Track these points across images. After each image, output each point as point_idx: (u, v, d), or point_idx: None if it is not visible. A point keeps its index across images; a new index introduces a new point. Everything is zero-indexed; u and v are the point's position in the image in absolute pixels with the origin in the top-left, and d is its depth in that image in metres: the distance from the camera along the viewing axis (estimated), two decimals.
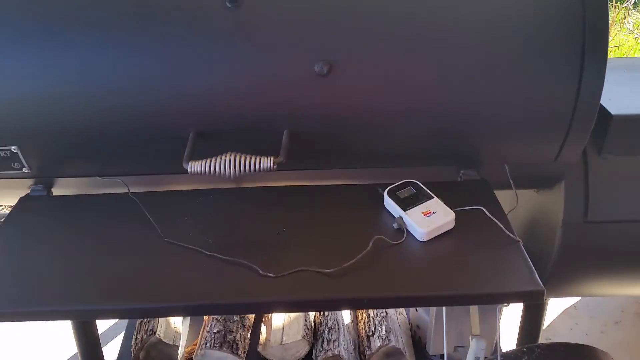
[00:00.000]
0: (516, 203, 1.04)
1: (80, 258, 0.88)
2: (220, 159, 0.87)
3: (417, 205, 0.93)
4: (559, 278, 1.21)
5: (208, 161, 0.87)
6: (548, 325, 1.73)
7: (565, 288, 1.25)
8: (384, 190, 0.97)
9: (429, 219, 0.90)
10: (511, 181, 1.04)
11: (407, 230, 0.91)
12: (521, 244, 0.88)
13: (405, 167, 1.03)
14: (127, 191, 1.00)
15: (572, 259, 1.17)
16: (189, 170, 0.87)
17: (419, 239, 0.90)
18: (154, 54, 0.89)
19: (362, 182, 1.04)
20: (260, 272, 0.84)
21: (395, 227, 0.92)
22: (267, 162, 0.86)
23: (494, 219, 0.90)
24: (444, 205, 0.93)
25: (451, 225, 0.91)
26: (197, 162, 0.87)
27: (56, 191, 1.05)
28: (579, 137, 0.99)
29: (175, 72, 0.90)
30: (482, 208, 0.91)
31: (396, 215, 0.93)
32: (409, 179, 0.99)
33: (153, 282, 0.84)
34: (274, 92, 0.92)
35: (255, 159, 0.87)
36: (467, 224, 0.92)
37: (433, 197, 0.94)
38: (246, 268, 0.85)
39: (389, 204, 0.95)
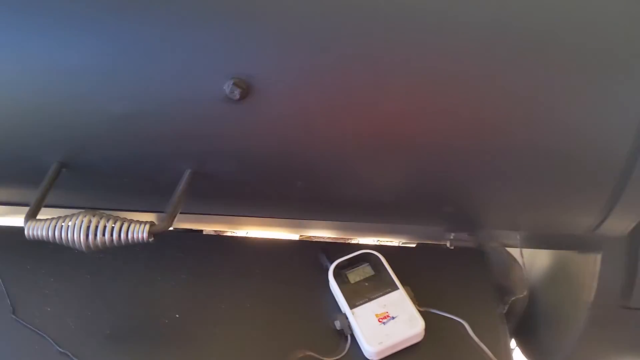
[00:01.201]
0: (526, 288, 0.73)
1: None
2: (70, 222, 0.57)
3: (372, 300, 0.63)
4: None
5: (54, 223, 0.57)
6: None
7: None
8: (331, 263, 0.67)
9: (384, 328, 0.60)
10: (521, 258, 0.72)
11: (350, 336, 0.61)
12: None
13: (367, 222, 0.72)
14: None
15: (601, 344, 0.86)
16: (25, 232, 0.58)
17: (366, 356, 0.60)
18: None
19: (321, 235, 0.75)
20: None
21: (337, 328, 0.62)
22: (139, 232, 0.57)
23: (477, 341, 0.59)
24: (412, 305, 0.62)
25: (418, 339, 0.61)
26: (38, 224, 0.58)
27: None
28: (634, 206, 0.66)
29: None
30: (463, 323, 0.60)
31: (341, 310, 0.63)
32: (366, 248, 0.68)
33: None
34: (162, 115, 0.60)
35: (121, 226, 0.57)
36: (441, 336, 0.62)
37: (398, 288, 0.64)
38: None
39: (334, 288, 0.65)
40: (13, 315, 0.63)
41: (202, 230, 0.84)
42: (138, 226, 0.56)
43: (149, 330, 0.62)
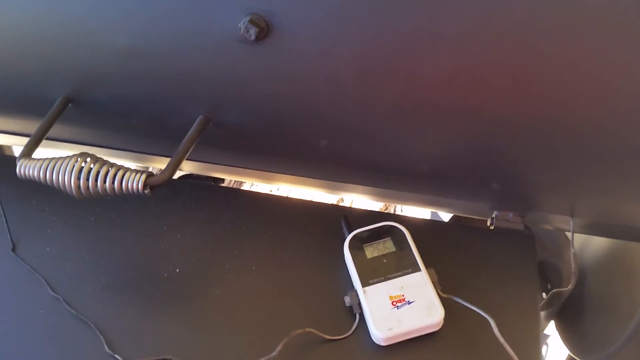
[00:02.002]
0: (572, 282, 0.63)
1: None
2: (62, 163, 0.53)
3: (388, 279, 0.56)
4: None
5: (46, 163, 0.53)
6: None
7: None
8: (350, 232, 0.60)
9: (397, 313, 0.53)
10: (572, 249, 0.62)
11: (359, 315, 0.55)
12: None
13: (400, 190, 0.64)
14: None
15: None
16: (17, 171, 0.54)
17: (374, 340, 0.54)
18: None
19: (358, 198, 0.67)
20: (107, 348, 0.54)
21: (347, 304, 0.56)
22: (133, 182, 0.51)
23: (502, 341, 0.51)
24: (433, 290, 0.55)
25: (434, 329, 0.54)
26: (31, 163, 0.54)
27: None
28: None
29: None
30: (489, 319, 0.52)
31: (353, 286, 0.57)
32: (396, 220, 0.60)
33: None
34: (171, 52, 0.54)
35: (116, 173, 0.52)
36: (462, 329, 0.55)
37: (420, 269, 0.56)
38: (89, 337, 0.55)
39: (348, 261, 0.58)
40: (12, 253, 0.61)
41: (222, 181, 0.79)
42: (134, 175, 0.51)
43: (146, 283, 0.58)
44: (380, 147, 0.56)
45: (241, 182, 0.98)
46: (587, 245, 0.81)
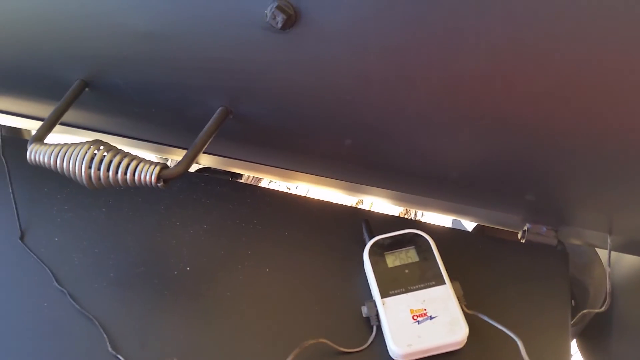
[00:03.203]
0: (607, 302, 0.59)
1: None
2: (74, 151, 0.50)
3: (409, 291, 0.52)
4: None
5: (57, 150, 0.51)
6: None
7: None
8: (371, 238, 0.57)
9: (418, 329, 0.50)
10: (608, 268, 0.58)
11: (376, 328, 0.52)
12: None
13: (431, 197, 0.61)
14: None
15: None
16: (27, 156, 0.52)
17: (391, 355, 0.51)
18: None
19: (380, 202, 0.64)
20: (110, 347, 0.51)
21: (364, 315, 0.53)
22: (147, 174, 0.49)
23: None
24: (457, 305, 0.51)
25: (458, 346, 0.50)
26: (42, 148, 0.51)
27: None
28: None
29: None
30: (516, 339, 0.49)
31: (372, 296, 0.54)
32: (420, 228, 0.57)
33: None
34: (191, 38, 0.51)
35: (129, 164, 0.49)
36: (486, 347, 0.51)
37: (444, 282, 0.53)
38: (92, 334, 0.52)
39: (368, 269, 0.55)
40: (20, 241, 0.58)
41: (240, 176, 0.76)
42: (147, 167, 0.49)
43: (154, 281, 0.56)
44: (409, 150, 0.53)
45: (259, 179, 0.95)
46: (618, 263, 0.77)
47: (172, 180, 0.49)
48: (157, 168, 0.49)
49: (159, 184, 0.49)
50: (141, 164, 0.49)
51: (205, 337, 0.52)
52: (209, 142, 0.52)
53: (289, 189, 0.95)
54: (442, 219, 0.91)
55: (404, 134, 0.51)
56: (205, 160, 0.70)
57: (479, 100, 0.46)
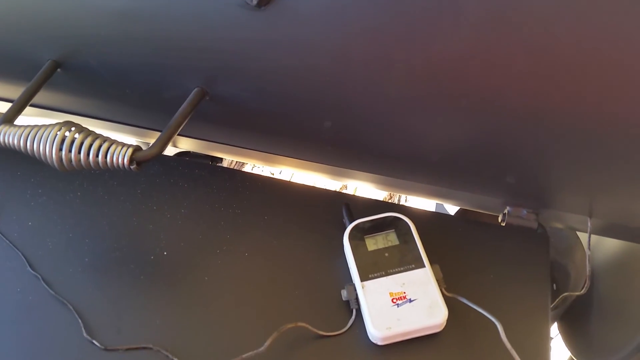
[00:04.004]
0: (586, 285, 0.59)
1: None
2: (44, 132, 0.49)
3: (389, 274, 0.52)
4: None
5: (27, 131, 0.49)
6: None
7: None
8: (351, 222, 0.56)
9: (397, 312, 0.50)
10: (588, 251, 0.58)
11: (356, 311, 0.51)
12: None
13: (413, 180, 0.60)
14: None
15: None
16: None
17: (371, 339, 0.50)
18: None
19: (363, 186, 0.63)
20: (85, 333, 0.50)
21: (343, 298, 0.52)
22: (119, 156, 0.48)
23: (509, 347, 0.48)
24: (437, 288, 0.51)
25: (436, 330, 0.50)
26: (12, 130, 0.50)
27: None
28: None
29: None
30: (495, 322, 0.48)
31: (352, 279, 0.53)
32: (401, 211, 0.56)
33: None
34: (166, 17, 0.50)
35: (100, 146, 0.48)
36: (466, 331, 0.51)
37: (424, 265, 0.52)
38: (67, 320, 0.51)
39: (347, 253, 0.54)
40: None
41: (220, 161, 0.75)
42: (119, 149, 0.47)
43: (131, 265, 0.55)
44: (389, 132, 0.52)
45: (242, 164, 0.94)
46: (598, 246, 0.77)
47: (146, 163, 0.48)
48: (130, 150, 0.48)
49: (131, 167, 0.48)
50: (113, 146, 0.48)
51: (183, 323, 0.51)
52: (184, 123, 0.51)
53: (273, 174, 0.94)
54: (425, 204, 0.90)
55: (384, 115, 0.50)
56: (184, 144, 0.69)
57: (459, 80, 0.46)
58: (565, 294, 0.65)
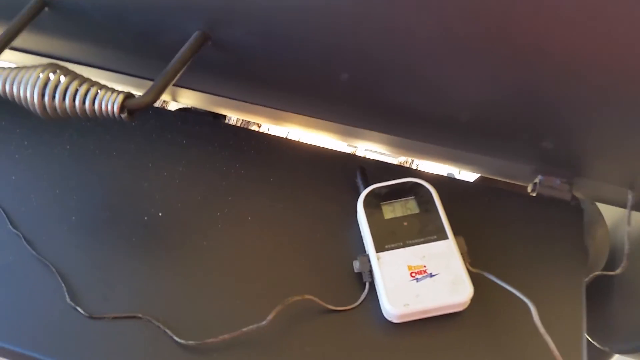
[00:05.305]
0: (624, 264, 0.54)
1: None
2: (25, 75, 0.43)
3: (407, 246, 0.46)
4: None
5: (10, 74, 0.44)
6: None
7: None
8: (366, 187, 0.51)
9: (416, 287, 0.44)
10: (628, 227, 0.53)
11: (369, 285, 0.46)
12: None
13: (433, 143, 0.54)
14: None
15: None
16: None
17: (385, 316, 0.45)
18: None
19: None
20: (68, 298, 0.46)
21: (355, 270, 0.47)
22: (108, 103, 0.42)
23: (542, 331, 0.42)
24: (461, 262, 0.46)
25: (459, 308, 0.45)
26: None
27: None
28: None
29: None
30: (527, 302, 0.43)
31: (365, 250, 0.48)
32: (420, 176, 0.51)
33: None
34: None
35: (87, 91, 0.42)
36: (493, 311, 0.46)
37: (447, 237, 0.47)
38: (49, 283, 0.46)
39: (362, 221, 0.49)
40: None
41: (224, 117, 0.70)
42: (109, 95, 0.42)
43: (122, 226, 0.50)
44: (414, 85, 0.46)
45: (247, 124, 0.88)
46: (623, 223, 0.72)
47: (139, 112, 0.43)
48: (121, 97, 0.42)
49: (122, 115, 0.42)
50: (102, 91, 0.42)
51: (177, 291, 0.47)
52: (182, 70, 0.46)
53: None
54: (437, 169, 0.84)
55: (409, 66, 0.44)
56: (185, 99, 0.63)
57: (496, 26, 0.39)
58: (597, 272, 0.60)
